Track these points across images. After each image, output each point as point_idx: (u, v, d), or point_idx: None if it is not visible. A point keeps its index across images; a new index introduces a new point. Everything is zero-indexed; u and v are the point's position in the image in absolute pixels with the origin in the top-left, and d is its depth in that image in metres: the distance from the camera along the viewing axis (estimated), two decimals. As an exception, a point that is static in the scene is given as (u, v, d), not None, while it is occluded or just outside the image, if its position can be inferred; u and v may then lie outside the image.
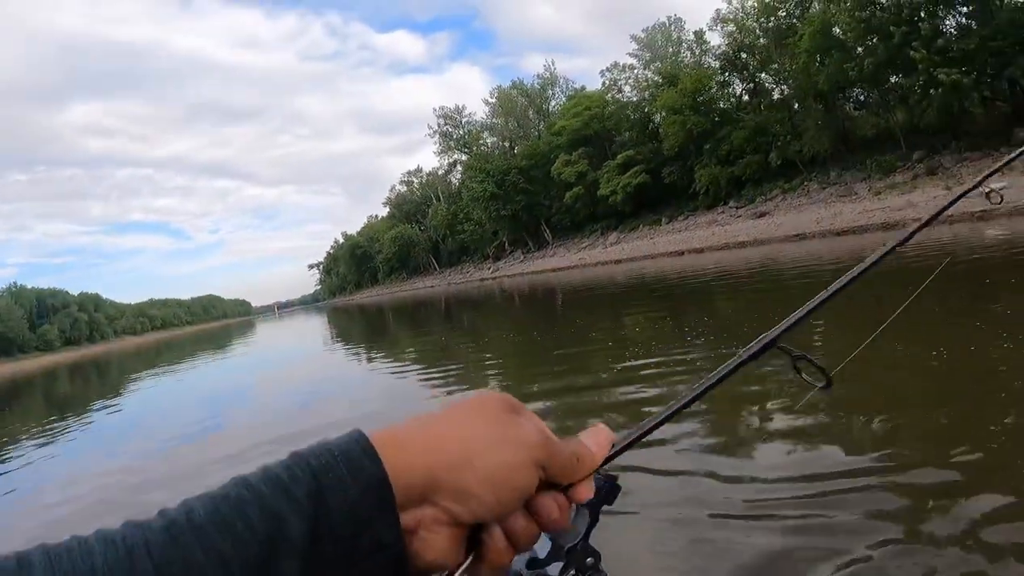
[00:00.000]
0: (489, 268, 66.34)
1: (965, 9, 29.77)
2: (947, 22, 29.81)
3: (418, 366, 11.83)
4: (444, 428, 0.53)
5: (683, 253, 32.69)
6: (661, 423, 0.75)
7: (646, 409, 5.80)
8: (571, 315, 17.12)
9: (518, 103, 64.30)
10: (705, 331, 9.56)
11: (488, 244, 69.68)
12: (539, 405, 6.81)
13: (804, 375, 0.84)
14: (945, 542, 2.77)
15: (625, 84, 53.44)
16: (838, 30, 33.31)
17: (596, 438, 0.63)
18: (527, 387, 8.01)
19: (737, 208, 40.09)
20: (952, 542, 2.75)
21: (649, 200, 48.18)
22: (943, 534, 2.83)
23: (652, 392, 6.44)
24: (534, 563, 0.83)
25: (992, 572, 2.53)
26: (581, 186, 51.85)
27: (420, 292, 66.09)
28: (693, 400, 0.82)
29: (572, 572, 0.72)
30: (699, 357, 7.71)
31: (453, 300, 37.46)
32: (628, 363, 7.96)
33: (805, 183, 36.98)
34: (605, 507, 0.76)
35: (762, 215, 36.08)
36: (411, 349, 15.89)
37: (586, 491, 0.61)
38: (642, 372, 7.33)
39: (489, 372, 10.19)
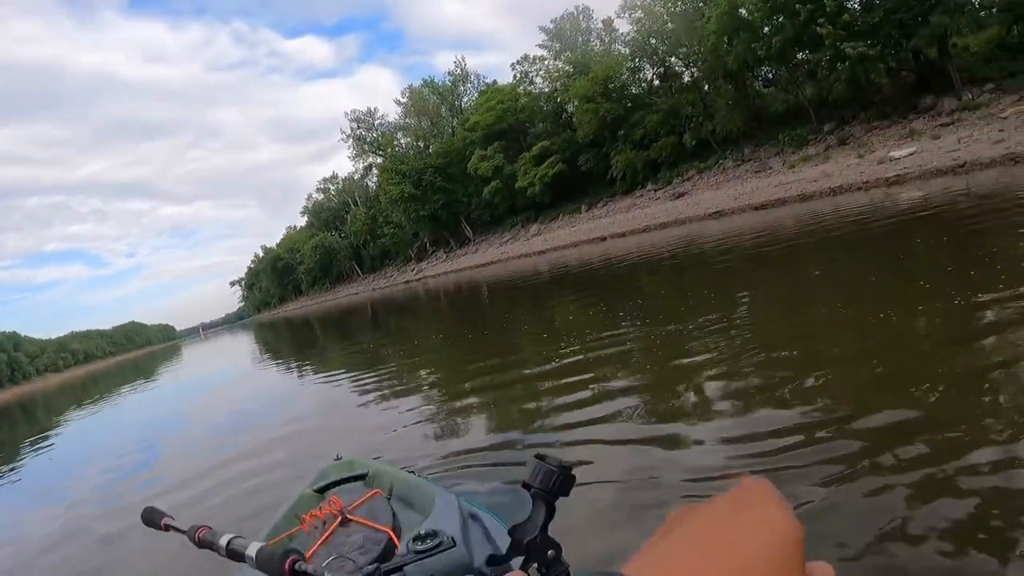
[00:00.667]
0: (413, 270, 65.14)
1: None
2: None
3: (350, 375, 11.43)
4: None
5: (605, 239, 32.88)
6: None
7: (585, 394, 5.73)
8: (499, 310, 17.21)
9: (430, 101, 63.05)
10: (636, 312, 9.67)
11: (410, 246, 68.41)
12: (474, 400, 6.81)
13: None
14: (876, 488, 2.90)
15: (536, 76, 52.92)
16: (744, 11, 33.42)
17: None
18: (460, 385, 7.86)
19: (655, 190, 40.10)
20: (882, 487, 2.89)
21: (567, 189, 47.93)
22: (877, 480, 2.96)
23: (590, 379, 6.25)
24: (494, 559, 0.83)
25: (919, 509, 2.67)
26: (499, 180, 51.31)
27: (345, 300, 64.87)
28: None
29: (534, 565, 0.71)
30: (634, 337, 7.78)
31: (379, 305, 36.97)
32: (562, 351, 7.92)
33: (720, 161, 37.25)
34: (561, 498, 0.76)
35: (680, 195, 36.18)
36: (342, 358, 15.52)
37: None
38: (577, 360, 7.21)
39: (421, 373, 9.89)
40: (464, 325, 15.82)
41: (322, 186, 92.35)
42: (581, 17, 51.04)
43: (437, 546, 1.69)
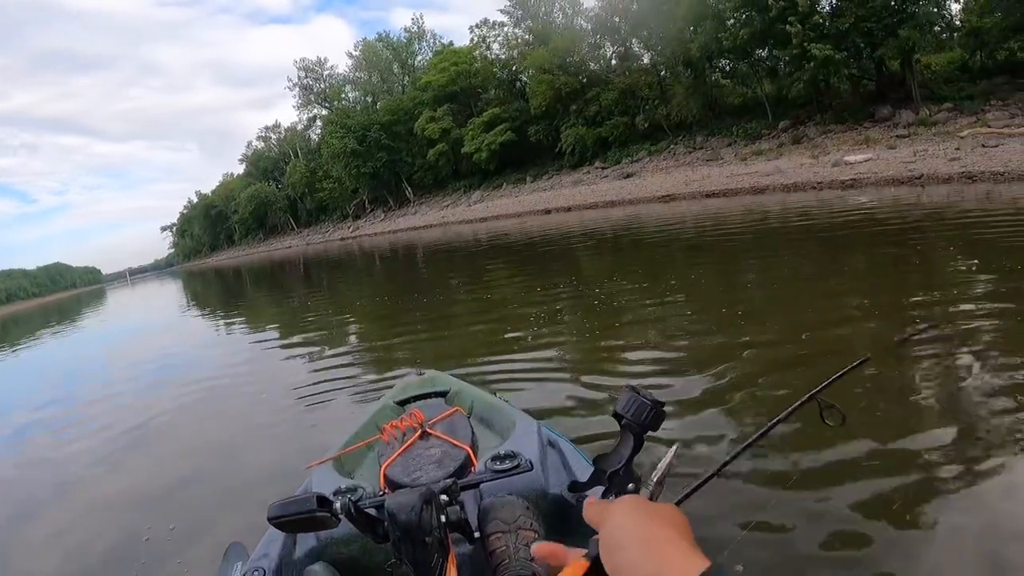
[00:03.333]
0: (349, 227, 62.58)
1: None
2: (823, 1, 30.16)
3: (279, 331, 11.27)
4: None
5: (550, 211, 32.49)
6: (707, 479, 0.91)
7: (512, 357, 5.91)
8: (433, 275, 16.97)
9: (383, 57, 60.30)
10: (567, 286, 9.78)
11: (348, 202, 65.53)
12: (398, 366, 6.45)
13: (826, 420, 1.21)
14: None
15: (494, 42, 50.89)
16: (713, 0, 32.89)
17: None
18: (391, 341, 7.96)
19: (603, 168, 39.32)
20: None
21: (514, 159, 46.39)
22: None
23: (517, 341, 6.54)
24: (576, 486, 0.89)
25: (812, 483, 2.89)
26: (445, 143, 49.23)
27: (277, 253, 63.04)
28: (743, 450, 1.20)
29: (613, 496, 0.71)
30: (562, 309, 8.05)
31: (312, 260, 36.15)
32: (493, 320, 8.15)
33: (672, 146, 36.67)
34: (650, 432, 0.77)
35: (629, 176, 35.65)
36: (272, 313, 15.37)
37: None
38: (508, 331, 7.25)
39: (350, 331, 9.89)
40: (397, 287, 15.55)
41: (263, 134, 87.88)
42: (549, -14, 49.16)
43: (515, 467, 1.64)
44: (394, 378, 5.60)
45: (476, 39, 51.78)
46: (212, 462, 4.88)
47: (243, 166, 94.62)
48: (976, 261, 7.26)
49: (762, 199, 20.78)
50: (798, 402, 1.55)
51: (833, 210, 14.67)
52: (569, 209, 31.45)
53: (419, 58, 60.95)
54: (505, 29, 49.70)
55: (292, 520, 1.20)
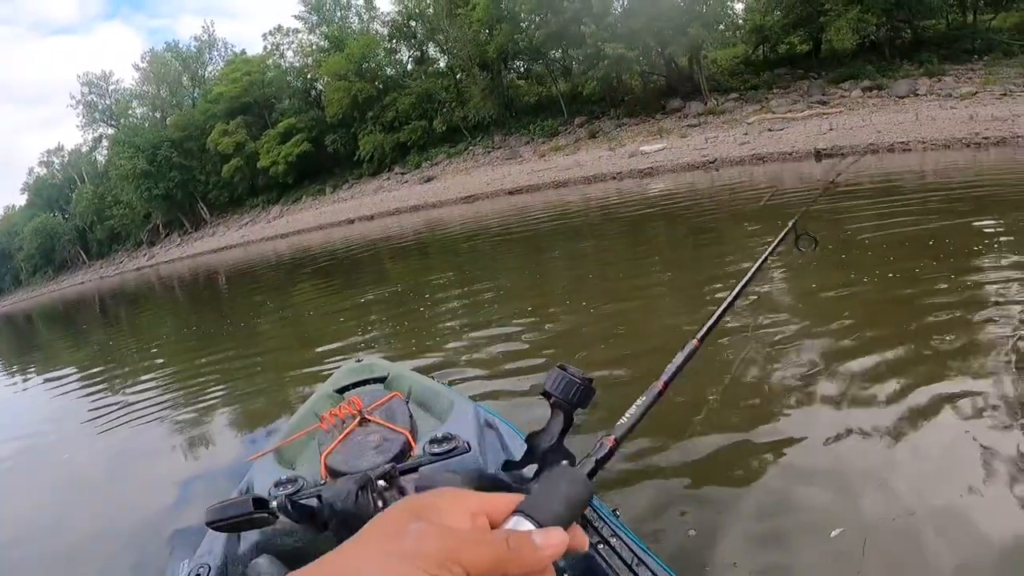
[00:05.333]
0: (145, 255, 56.61)
1: None
2: (615, 4, 31.31)
3: (78, 377, 9.81)
4: (340, 565, 0.46)
5: (353, 221, 32.08)
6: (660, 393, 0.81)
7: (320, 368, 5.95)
8: (239, 297, 16.61)
9: (172, 68, 55.10)
10: (382, 297, 9.68)
11: (141, 229, 59.47)
12: (216, 396, 6.15)
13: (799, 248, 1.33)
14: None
15: (288, 49, 48.15)
16: (507, 3, 33.13)
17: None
18: (196, 378, 7.12)
19: (403, 174, 38.45)
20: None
21: (312, 169, 43.94)
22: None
23: (332, 352, 6.55)
24: (509, 465, 0.90)
25: None
26: (240, 158, 45.41)
27: (71, 290, 54.93)
28: (735, 299, 1.11)
29: (548, 470, 0.69)
30: (382, 319, 8.03)
31: (108, 295, 32.56)
32: (304, 335, 8.36)
33: (470, 147, 36.54)
34: (580, 410, 0.79)
35: (430, 179, 35.16)
36: (68, 359, 13.69)
37: None
38: (321, 346, 7.10)
39: (154, 369, 8.78)
40: (201, 316, 14.77)
41: (45, 159, 78.38)
42: (344, -9, 47.22)
43: (452, 450, 1.70)
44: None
45: (269, 47, 48.79)
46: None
47: (25, 196, 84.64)
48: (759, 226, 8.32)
49: (564, 192, 21.52)
50: (781, 235, 1.60)
51: (631, 198, 15.63)
52: (372, 217, 31.30)
53: (210, 68, 56.11)
54: (299, 36, 47.30)
55: (230, 523, 1.22)
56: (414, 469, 1.62)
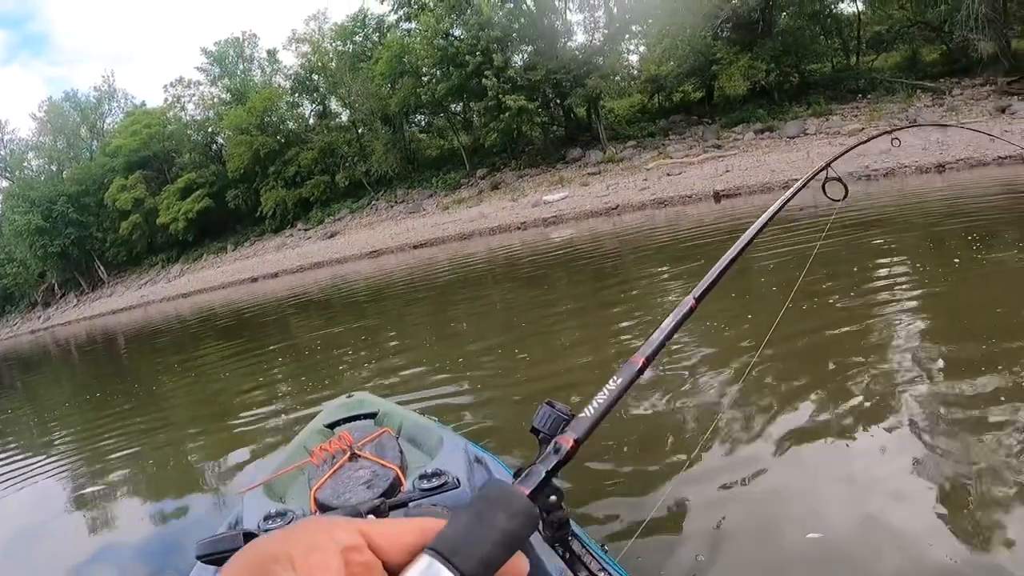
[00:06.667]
0: (40, 317, 53.45)
1: (531, 48, 32.52)
2: (515, 58, 31.78)
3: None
4: None
5: (256, 279, 31.18)
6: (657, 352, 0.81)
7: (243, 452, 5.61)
8: (141, 361, 15.86)
9: (70, 119, 52.63)
10: (286, 359, 9.54)
11: (36, 288, 56.24)
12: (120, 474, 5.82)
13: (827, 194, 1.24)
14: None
15: (189, 102, 46.54)
16: (409, 58, 33.33)
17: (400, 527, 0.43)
18: (98, 455, 6.63)
19: (306, 230, 37.58)
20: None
21: (213, 226, 42.39)
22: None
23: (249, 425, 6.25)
24: None
25: None
26: (139, 214, 43.45)
27: None
28: (740, 253, 1.10)
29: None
30: (281, 376, 8.17)
31: (2, 363, 30.67)
32: (210, 396, 8.26)
33: (373, 202, 36.13)
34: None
35: (334, 235, 34.53)
36: None
37: None
38: (234, 416, 6.83)
39: (55, 440, 8.26)
40: (102, 382, 13.95)
41: (-66, 216, 74.27)
42: (246, 44, 46.29)
43: (442, 486, 1.70)
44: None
45: (170, 99, 47.08)
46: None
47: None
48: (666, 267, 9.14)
49: (468, 244, 21.74)
50: (811, 173, 1.55)
51: (536, 246, 16.22)
52: (276, 275, 30.25)
53: (109, 120, 53.74)
54: (201, 88, 45.94)
55: (220, 557, 1.22)
56: (404, 504, 1.62)
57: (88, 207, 47.35)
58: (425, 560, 0.37)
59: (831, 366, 4.31)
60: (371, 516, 1.28)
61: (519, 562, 0.42)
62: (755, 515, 2.81)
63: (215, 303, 25.40)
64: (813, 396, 3.88)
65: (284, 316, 15.94)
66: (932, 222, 9.39)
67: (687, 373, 4.64)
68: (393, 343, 8.50)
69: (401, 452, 2.18)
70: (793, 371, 4.34)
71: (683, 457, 3.39)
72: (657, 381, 4.50)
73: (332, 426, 2.70)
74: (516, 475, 0.65)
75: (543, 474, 0.55)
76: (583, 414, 0.67)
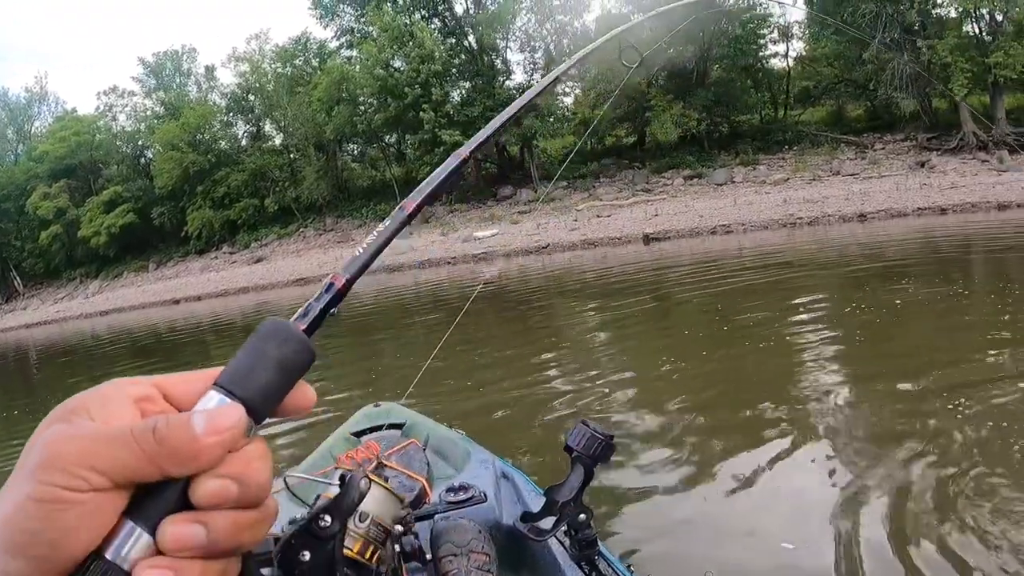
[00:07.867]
0: (-50, 328, 50.78)
1: (469, 84, 33.09)
2: (453, 93, 32.13)
3: None
4: None
5: (179, 301, 30.29)
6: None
7: None
8: (55, 382, 14.90)
9: (-2, 119, 50.48)
10: None
11: (-55, 300, 53.45)
12: None
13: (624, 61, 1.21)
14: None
15: (121, 112, 45.29)
16: (348, 85, 33.11)
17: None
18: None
19: (232, 253, 36.91)
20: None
21: (136, 243, 41.02)
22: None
23: None
24: (528, 516, 0.94)
25: None
26: (60, 224, 41.53)
27: None
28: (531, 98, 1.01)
29: (564, 528, 0.77)
30: None
31: None
32: None
33: (302, 229, 35.70)
34: (600, 464, 0.81)
35: (259, 260, 33.99)
36: None
37: (215, 487, 0.38)
38: None
39: None
40: (9, 402, 13.06)
41: None
42: (185, 57, 45.41)
43: (469, 499, 1.71)
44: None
45: (102, 107, 45.79)
46: None
47: None
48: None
49: (397, 276, 21.49)
50: (601, 39, 1.51)
51: (463, 282, 16.41)
52: (199, 298, 29.61)
53: (37, 124, 51.63)
54: (135, 99, 44.81)
55: None
56: (429, 516, 1.61)
57: (8, 213, 45.11)
58: (210, 394, 0.41)
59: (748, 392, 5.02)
60: (397, 526, 1.25)
61: (305, 390, 0.45)
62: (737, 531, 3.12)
63: (133, 323, 24.65)
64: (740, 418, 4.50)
65: (204, 343, 15.82)
66: (844, 263, 10.55)
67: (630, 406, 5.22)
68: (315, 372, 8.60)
69: (428, 464, 2.18)
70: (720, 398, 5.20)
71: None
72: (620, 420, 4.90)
73: (359, 435, 2.71)
74: (546, 492, 0.70)
75: (318, 310, 0.54)
76: (356, 253, 0.63)
